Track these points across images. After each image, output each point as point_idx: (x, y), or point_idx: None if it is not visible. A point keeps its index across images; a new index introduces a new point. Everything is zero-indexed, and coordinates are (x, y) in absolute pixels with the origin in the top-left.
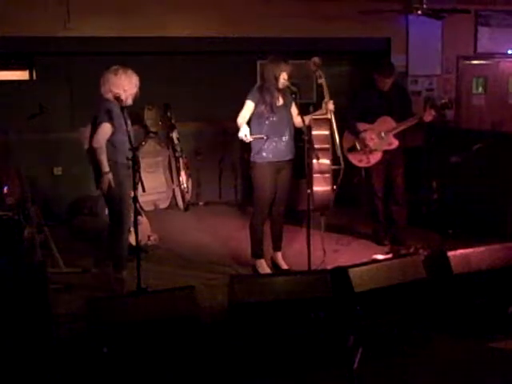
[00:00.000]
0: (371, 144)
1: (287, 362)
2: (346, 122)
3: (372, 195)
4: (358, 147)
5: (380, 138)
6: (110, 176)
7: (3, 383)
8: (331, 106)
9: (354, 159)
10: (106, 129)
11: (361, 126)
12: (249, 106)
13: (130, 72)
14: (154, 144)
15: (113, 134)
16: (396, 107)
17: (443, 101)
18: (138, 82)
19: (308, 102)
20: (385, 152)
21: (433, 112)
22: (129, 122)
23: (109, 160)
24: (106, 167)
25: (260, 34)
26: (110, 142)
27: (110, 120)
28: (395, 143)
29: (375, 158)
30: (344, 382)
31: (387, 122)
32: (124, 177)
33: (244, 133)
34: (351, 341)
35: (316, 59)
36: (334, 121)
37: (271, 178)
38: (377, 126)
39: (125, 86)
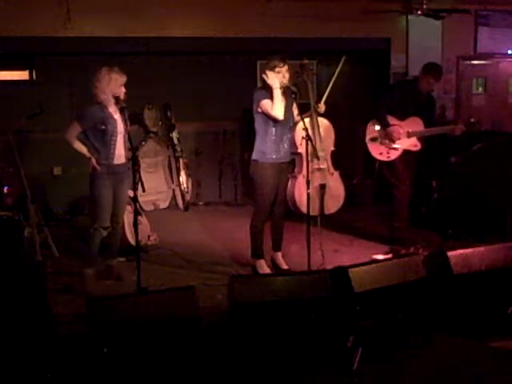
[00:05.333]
0: (396, 140)
1: (287, 362)
2: (376, 110)
3: (399, 187)
4: (380, 140)
5: (406, 137)
6: (93, 161)
7: (3, 383)
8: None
9: (374, 151)
10: (74, 126)
11: (390, 119)
12: (270, 103)
13: (113, 74)
14: (154, 144)
15: (93, 134)
16: (425, 112)
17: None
18: (118, 83)
19: (307, 102)
20: (405, 151)
21: (463, 128)
22: (124, 124)
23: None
24: (86, 153)
25: (260, 34)
26: (90, 142)
27: (84, 120)
28: (419, 146)
29: (395, 154)
30: (344, 382)
31: (417, 123)
32: (99, 176)
33: None
34: (351, 341)
35: (305, 61)
36: (316, 123)
37: (273, 178)
38: (406, 124)
39: (104, 88)
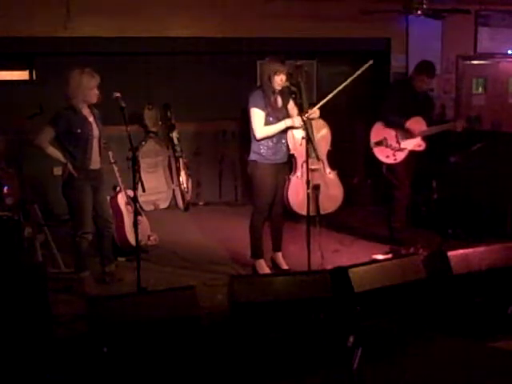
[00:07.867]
0: (402, 142)
1: (287, 362)
2: (383, 115)
3: (400, 187)
4: (385, 143)
5: (411, 138)
6: (70, 166)
7: (3, 383)
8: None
9: (380, 154)
10: (47, 131)
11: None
12: (259, 115)
13: (84, 77)
14: (154, 144)
15: (67, 139)
16: (424, 111)
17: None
18: (88, 86)
19: (308, 102)
20: (410, 152)
21: (464, 123)
22: (98, 128)
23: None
24: (61, 159)
25: (260, 34)
26: (65, 147)
27: (56, 125)
28: (423, 145)
29: (401, 156)
30: (344, 382)
31: (420, 123)
32: (77, 182)
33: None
34: (351, 341)
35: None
36: (309, 124)
37: (272, 178)
38: (409, 125)
39: (75, 91)
